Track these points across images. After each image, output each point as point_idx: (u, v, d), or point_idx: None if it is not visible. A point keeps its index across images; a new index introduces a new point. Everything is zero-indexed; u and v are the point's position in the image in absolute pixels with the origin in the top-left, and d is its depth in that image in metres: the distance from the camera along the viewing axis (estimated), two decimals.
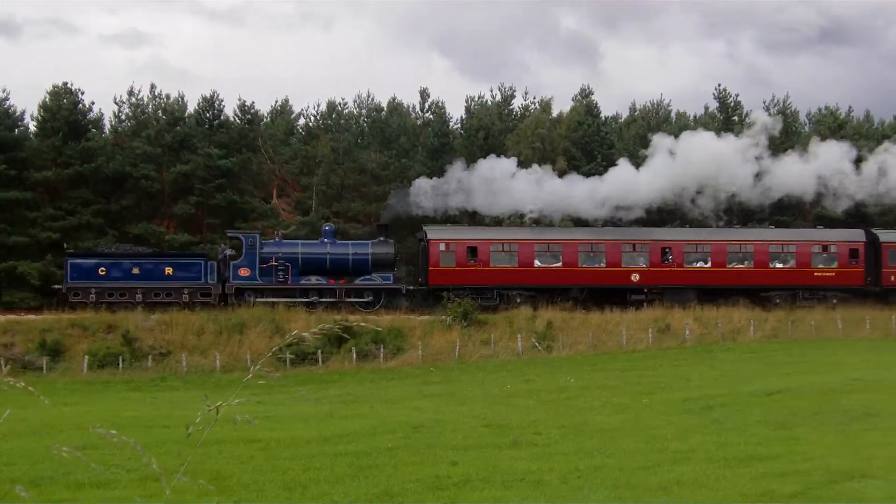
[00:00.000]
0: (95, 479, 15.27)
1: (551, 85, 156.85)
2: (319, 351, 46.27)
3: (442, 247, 55.09)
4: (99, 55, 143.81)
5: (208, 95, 74.50)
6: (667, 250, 56.98)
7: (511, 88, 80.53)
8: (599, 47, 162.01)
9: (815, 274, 57.31)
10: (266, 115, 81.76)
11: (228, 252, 54.03)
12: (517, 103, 79.96)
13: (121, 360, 45.42)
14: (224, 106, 75.01)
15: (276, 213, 71.34)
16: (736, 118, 76.72)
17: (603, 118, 77.37)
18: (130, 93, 74.46)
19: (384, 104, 79.26)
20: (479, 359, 46.71)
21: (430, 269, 54.84)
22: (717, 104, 78.77)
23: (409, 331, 49.56)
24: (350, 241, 56.72)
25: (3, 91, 69.19)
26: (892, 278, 57.50)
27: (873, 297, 57.46)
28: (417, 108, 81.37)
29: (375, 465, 16.86)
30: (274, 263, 53.34)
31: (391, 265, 55.38)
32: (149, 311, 51.05)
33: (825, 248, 58.03)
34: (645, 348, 47.72)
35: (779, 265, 57.93)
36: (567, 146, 71.03)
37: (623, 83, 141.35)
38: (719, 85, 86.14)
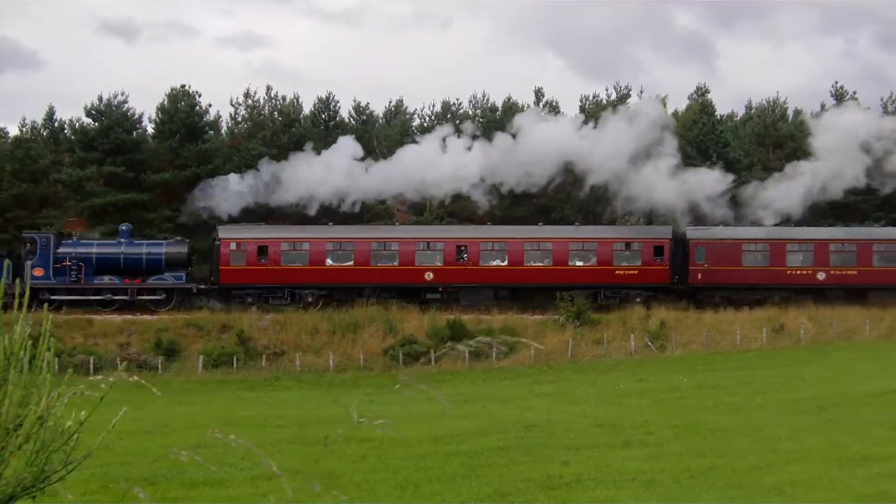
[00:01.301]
0: (209, 478, 15.66)
1: (666, 84, 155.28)
2: (432, 350, 46.64)
3: (233, 246, 54.91)
4: (214, 57, 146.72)
5: (323, 97, 75.52)
6: (462, 248, 55.81)
7: (626, 87, 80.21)
8: (715, 45, 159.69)
9: (618, 272, 55.44)
10: (381, 115, 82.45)
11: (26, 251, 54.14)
12: (632, 102, 79.45)
13: (235, 359, 46.40)
14: (339, 107, 76.03)
15: (392, 213, 71.91)
16: None
17: (718, 116, 76.41)
18: (246, 94, 75.88)
19: (499, 104, 79.27)
20: (592, 358, 46.58)
21: (221, 268, 54.74)
22: (834, 101, 77.22)
23: (521, 330, 49.56)
24: (145, 241, 56.20)
25: (122, 94, 70.92)
26: (699, 276, 55.34)
27: (675, 295, 55.82)
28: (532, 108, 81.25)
29: (487, 465, 17.04)
30: (68, 263, 53.37)
31: (185, 264, 55.25)
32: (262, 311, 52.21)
33: (628, 246, 56.24)
34: (759, 348, 47.09)
35: (579, 263, 56.16)
36: (682, 144, 70.36)
37: (738, 81, 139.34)
38: (836, 82, 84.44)
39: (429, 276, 55.16)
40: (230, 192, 59.19)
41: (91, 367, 42.82)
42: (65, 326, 48.53)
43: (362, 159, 60.43)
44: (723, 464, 16.29)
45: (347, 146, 60.49)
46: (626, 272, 55.68)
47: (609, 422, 23.00)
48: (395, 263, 55.41)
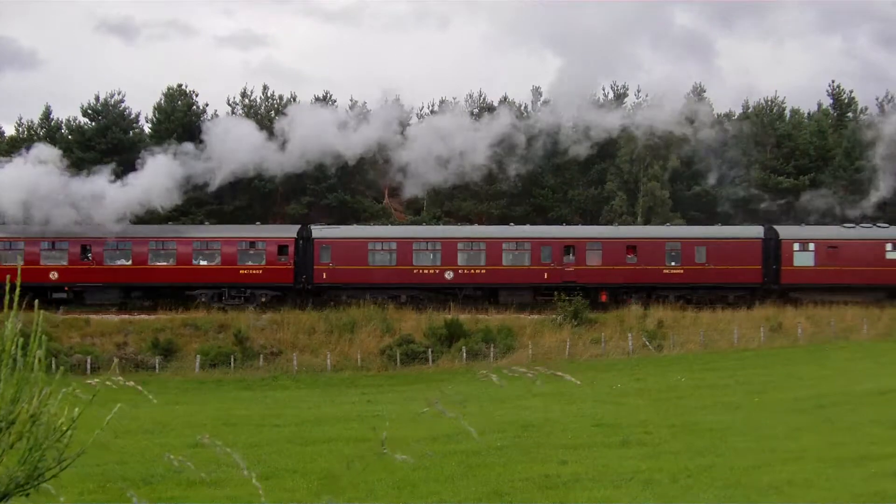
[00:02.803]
0: (206, 477, 15.64)
1: (664, 83, 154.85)
2: (430, 350, 46.66)
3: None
4: (214, 57, 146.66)
5: (321, 95, 75.56)
6: (87, 248, 55.07)
7: (623, 87, 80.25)
8: (715, 44, 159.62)
9: (242, 272, 55.04)
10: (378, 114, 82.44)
11: None
12: (630, 101, 79.58)
13: (232, 359, 46.42)
14: (336, 106, 75.98)
15: (388, 212, 71.95)
16: (850, 114, 75.40)
17: (716, 115, 76.49)
18: (243, 94, 75.90)
19: (496, 103, 79.31)
20: (590, 358, 46.60)
21: None
22: (831, 101, 77.31)
23: (519, 330, 49.68)
24: None
25: (119, 93, 70.95)
26: (324, 275, 54.61)
27: (298, 295, 55.40)
28: (530, 108, 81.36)
29: (485, 465, 17.03)
30: None
31: None
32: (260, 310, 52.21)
33: (252, 245, 55.81)
34: (757, 347, 47.08)
35: (203, 262, 55.64)
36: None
37: (737, 80, 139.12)
38: (833, 81, 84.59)
39: (54, 275, 54.41)
40: None
41: (88, 366, 42.82)
42: (62, 326, 48.56)
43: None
44: (720, 463, 16.28)
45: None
46: (251, 272, 55.30)
47: (607, 421, 23.01)
48: (22, 263, 54.09)
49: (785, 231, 56.99)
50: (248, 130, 58.62)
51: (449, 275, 55.23)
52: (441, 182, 59.98)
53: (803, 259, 55.73)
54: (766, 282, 55.78)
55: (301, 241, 56.03)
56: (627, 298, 54.75)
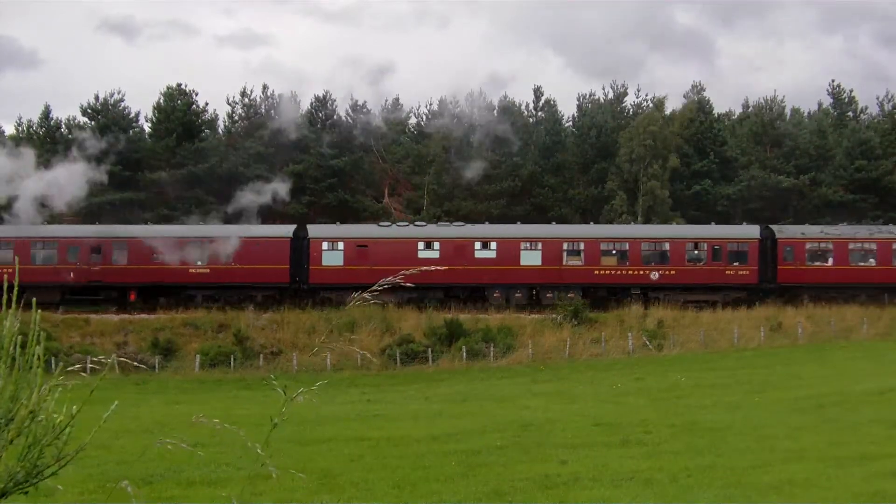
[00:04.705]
0: (206, 477, 15.65)
1: (665, 82, 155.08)
2: (430, 350, 46.65)
3: None
4: (214, 56, 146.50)
5: (321, 95, 75.61)
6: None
7: (623, 86, 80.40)
8: (716, 44, 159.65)
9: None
10: (378, 114, 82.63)
11: None
12: (629, 101, 79.73)
13: (232, 359, 46.38)
14: (336, 106, 76.10)
15: (388, 212, 71.98)
16: (851, 114, 75.43)
17: (716, 115, 76.62)
18: (243, 93, 75.98)
19: (496, 102, 79.46)
20: (590, 357, 46.58)
21: None
22: (831, 100, 77.35)
23: (519, 329, 49.68)
24: None
25: (119, 93, 70.98)
26: None
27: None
28: (531, 107, 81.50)
29: (485, 464, 17.01)
30: None
31: None
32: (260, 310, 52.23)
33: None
34: (757, 346, 47.09)
35: None
36: (679, 143, 70.48)
37: (738, 80, 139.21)
38: (833, 80, 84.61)
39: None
40: None
41: (88, 366, 42.78)
42: (62, 325, 48.55)
43: None
44: (721, 463, 16.26)
45: None
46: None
47: (607, 421, 22.98)
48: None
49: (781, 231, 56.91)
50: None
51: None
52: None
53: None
54: (762, 281, 55.67)
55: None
56: None
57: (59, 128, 73.46)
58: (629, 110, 79.33)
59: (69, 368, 4.04)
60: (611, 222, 64.54)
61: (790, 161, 72.48)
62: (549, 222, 62.71)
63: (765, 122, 75.63)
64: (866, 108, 79.93)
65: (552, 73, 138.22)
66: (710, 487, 14.05)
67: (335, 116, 76.24)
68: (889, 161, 72.19)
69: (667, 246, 55.85)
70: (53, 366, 3.88)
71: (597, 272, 55.02)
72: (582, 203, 73.20)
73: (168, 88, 71.35)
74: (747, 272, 55.11)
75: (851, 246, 55.78)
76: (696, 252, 55.77)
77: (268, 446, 4.68)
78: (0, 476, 3.59)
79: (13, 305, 3.79)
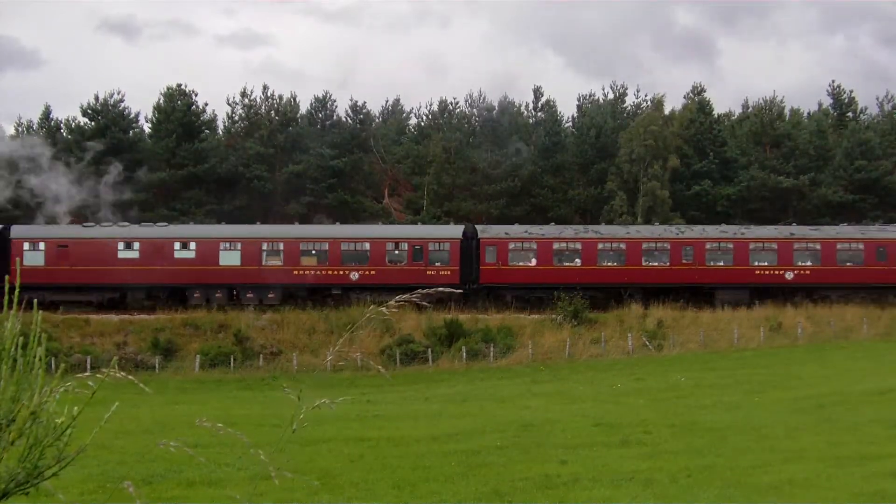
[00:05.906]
0: (206, 477, 15.63)
1: (666, 83, 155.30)
2: (429, 350, 46.63)
3: None
4: (214, 56, 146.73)
5: (320, 96, 75.62)
6: None
7: (623, 86, 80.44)
8: (717, 44, 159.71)
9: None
10: (378, 114, 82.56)
11: None
12: (629, 101, 79.76)
13: (232, 359, 46.33)
14: (336, 106, 76.16)
15: (388, 212, 72.00)
16: (850, 114, 75.46)
17: (716, 115, 76.66)
18: (243, 94, 75.95)
19: (496, 103, 79.46)
20: (589, 357, 46.55)
21: None
22: (831, 100, 77.36)
23: (518, 329, 49.67)
24: None
25: (119, 93, 70.96)
26: None
27: None
28: (531, 107, 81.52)
29: (485, 464, 17.02)
30: None
31: None
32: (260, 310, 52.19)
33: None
34: (756, 347, 47.08)
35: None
36: (679, 144, 70.49)
37: (739, 80, 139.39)
38: (833, 81, 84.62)
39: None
40: None
41: (88, 366, 42.80)
42: (62, 326, 48.52)
43: None
44: (720, 463, 16.27)
45: None
46: None
47: (607, 421, 22.98)
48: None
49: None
50: None
51: None
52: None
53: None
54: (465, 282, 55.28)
55: None
56: None
57: (59, 128, 73.40)
58: (629, 110, 79.40)
59: (78, 376, 4.04)
60: (611, 223, 64.50)
61: (790, 161, 72.51)
62: (549, 222, 62.59)
63: (765, 123, 75.63)
64: (866, 108, 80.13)
65: (552, 73, 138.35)
66: (709, 487, 14.06)
67: (335, 117, 76.28)
68: (889, 161, 72.38)
69: (367, 246, 55.64)
70: (53, 366, 3.88)
71: (296, 272, 54.77)
72: (582, 203, 73.23)
73: (168, 89, 71.42)
74: (448, 272, 54.54)
75: (556, 246, 55.72)
76: (396, 252, 55.51)
77: (280, 451, 4.67)
78: (1, 477, 3.60)
79: (14, 306, 3.79)
